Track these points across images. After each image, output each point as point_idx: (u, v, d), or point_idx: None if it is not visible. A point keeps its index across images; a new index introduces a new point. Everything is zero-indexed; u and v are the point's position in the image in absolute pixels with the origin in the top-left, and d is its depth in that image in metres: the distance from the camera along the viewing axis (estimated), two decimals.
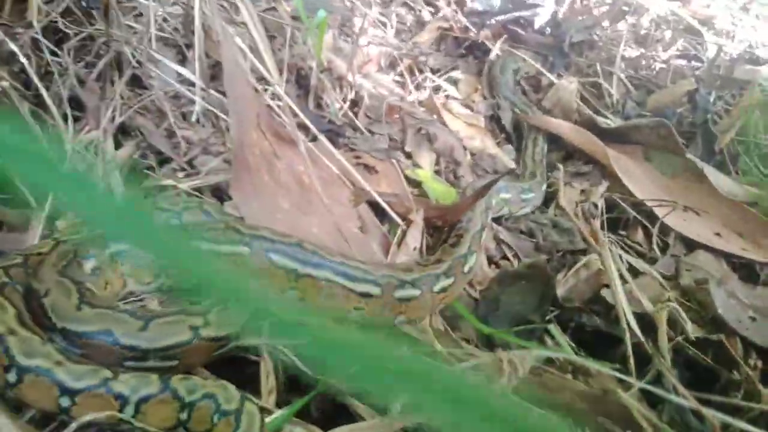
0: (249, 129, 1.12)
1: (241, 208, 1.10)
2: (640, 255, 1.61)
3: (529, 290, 1.30)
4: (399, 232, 1.28)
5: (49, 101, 1.16)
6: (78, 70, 1.24)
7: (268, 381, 1.02)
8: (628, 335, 1.13)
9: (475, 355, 1.05)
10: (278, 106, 1.35)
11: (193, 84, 1.31)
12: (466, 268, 1.32)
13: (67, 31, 1.27)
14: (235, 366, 1.08)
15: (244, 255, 1.05)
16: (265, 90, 1.35)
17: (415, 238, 1.27)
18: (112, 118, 1.19)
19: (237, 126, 1.08)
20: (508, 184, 1.63)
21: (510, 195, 1.62)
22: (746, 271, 1.59)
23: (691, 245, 1.61)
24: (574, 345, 1.31)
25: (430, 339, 1.13)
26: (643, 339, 1.19)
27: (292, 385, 1.10)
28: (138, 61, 1.27)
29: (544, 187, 1.71)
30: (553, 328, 1.24)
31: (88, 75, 1.25)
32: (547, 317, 1.29)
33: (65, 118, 1.18)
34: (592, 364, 1.04)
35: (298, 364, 1.02)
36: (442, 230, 1.41)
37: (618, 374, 0.98)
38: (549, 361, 1.20)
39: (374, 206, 1.41)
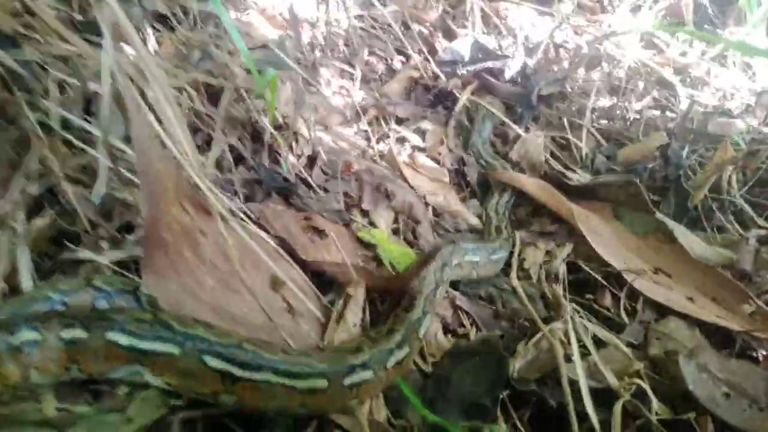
0: (167, 203, 1.04)
1: (155, 291, 1.01)
2: (608, 320, 1.52)
3: (482, 369, 1.21)
4: (338, 306, 1.19)
5: None
6: None
7: None
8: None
9: None
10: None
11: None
12: (420, 333, 1.23)
13: None
14: None
15: (174, 355, 0.95)
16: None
17: (355, 313, 1.18)
18: (23, 190, 1.11)
19: (149, 202, 1.00)
20: (477, 244, 1.54)
21: (479, 258, 1.53)
22: (721, 337, 1.49)
23: (661, 311, 1.52)
24: (529, 427, 1.22)
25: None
26: (597, 426, 1.09)
27: None
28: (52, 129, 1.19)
29: (509, 246, 1.63)
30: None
31: None
32: (500, 398, 1.20)
33: None
34: None
35: None
36: (393, 295, 1.32)
37: None
38: None
39: (318, 274, 1.33)
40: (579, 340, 1.32)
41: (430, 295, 1.29)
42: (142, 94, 1.07)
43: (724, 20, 2.60)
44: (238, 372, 0.96)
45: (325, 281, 1.37)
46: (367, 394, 1.11)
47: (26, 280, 1.05)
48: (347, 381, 1.04)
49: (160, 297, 1.01)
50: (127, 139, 1.24)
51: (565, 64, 2.19)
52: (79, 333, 0.93)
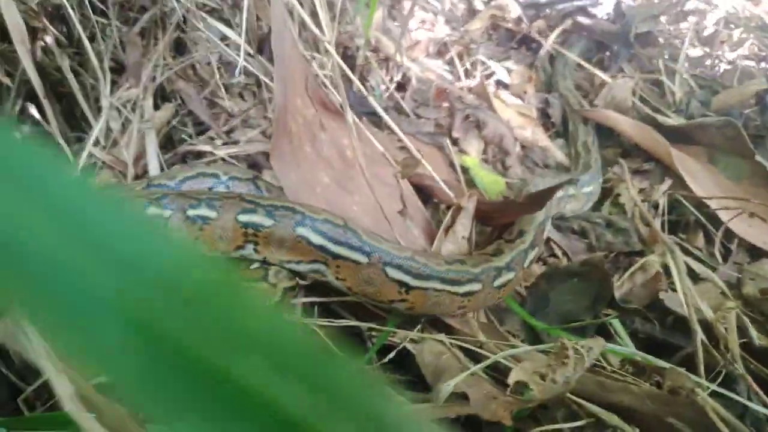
0: (294, 94, 1.05)
1: (280, 177, 1.03)
2: (700, 261, 1.49)
3: (582, 289, 1.20)
4: (448, 217, 1.19)
5: (91, 56, 1.11)
6: (120, 28, 1.19)
7: None
8: (699, 338, 1.02)
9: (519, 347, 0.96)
10: (325, 77, 1.28)
11: (239, 49, 1.25)
12: (526, 263, 1.22)
13: None
14: None
15: (360, 263, 0.99)
16: (313, 59, 1.28)
17: (464, 226, 1.18)
18: (153, 78, 1.14)
19: (281, 89, 1.01)
20: (571, 177, 1.52)
21: (572, 190, 1.51)
22: None
23: (755, 253, 1.48)
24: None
25: (473, 330, 1.04)
26: (710, 345, 1.08)
27: None
28: (184, 18, 1.21)
29: (601, 180, 1.60)
30: (616, 323, 1.13)
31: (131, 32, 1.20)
32: (601, 319, 1.19)
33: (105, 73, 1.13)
34: (662, 363, 0.94)
35: (331, 346, 0.95)
36: (495, 224, 1.31)
37: (690, 375, 0.88)
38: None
39: (417, 190, 1.33)
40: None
41: (539, 228, 1.28)
42: None
43: None
44: (412, 282, 1.01)
45: (423, 196, 1.38)
46: (474, 306, 1.12)
47: (154, 166, 1.08)
48: (496, 282, 1.09)
49: (284, 185, 1.03)
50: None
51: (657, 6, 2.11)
52: (260, 219, 0.96)
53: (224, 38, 1.27)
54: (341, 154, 1.15)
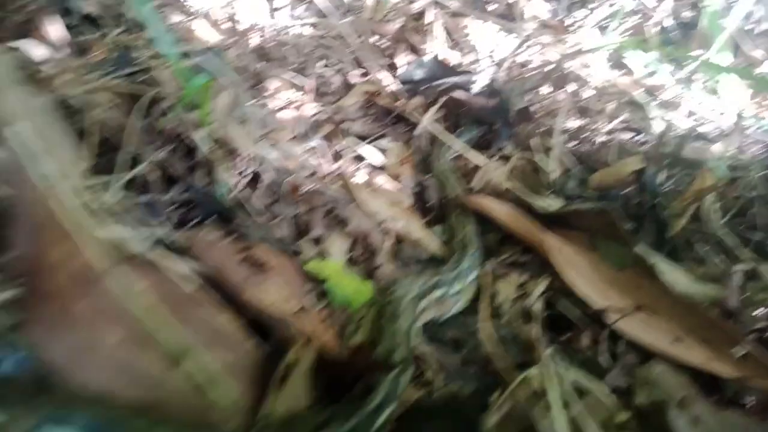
0: (43, 247, 0.82)
1: (43, 352, 0.79)
2: (587, 363, 1.35)
3: None
4: (278, 373, 0.98)
5: None
6: None
7: None
8: None
9: None
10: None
11: None
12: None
13: None
14: None
15: None
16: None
17: (299, 383, 0.97)
18: None
19: (25, 245, 0.77)
20: (439, 277, 1.38)
21: (442, 291, 1.36)
22: (707, 380, 1.35)
23: (646, 353, 1.36)
24: None
25: None
26: None
27: None
28: None
29: (474, 276, 1.45)
30: None
31: None
32: None
33: None
34: None
35: None
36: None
37: None
38: None
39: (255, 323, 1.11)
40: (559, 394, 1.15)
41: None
42: None
43: (686, 43, 2.54)
44: None
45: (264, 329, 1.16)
46: None
47: None
48: None
49: (48, 361, 0.78)
50: None
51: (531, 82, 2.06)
52: None
53: None
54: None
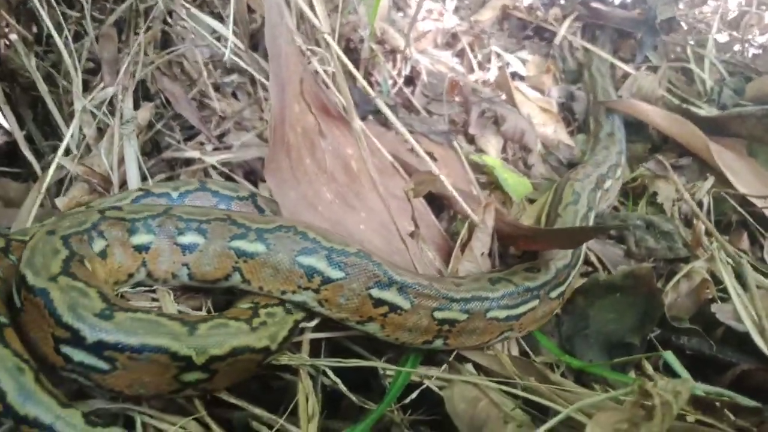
0: (291, 99, 0.91)
1: (277, 197, 0.89)
2: (751, 266, 1.34)
3: (626, 306, 1.06)
4: (463, 232, 1.04)
5: (63, 53, 0.96)
6: (97, 21, 1.05)
7: (308, 405, 0.81)
8: None
9: (573, 391, 0.81)
10: (326, 74, 1.13)
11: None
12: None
13: None
14: (269, 386, 0.87)
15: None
16: (312, 54, 1.13)
17: (482, 242, 1.03)
18: (133, 74, 0.99)
19: (278, 93, 0.86)
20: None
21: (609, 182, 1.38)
22: None
23: None
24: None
25: (505, 367, 0.89)
26: None
27: (333, 410, 0.90)
28: (169, 12, 1.06)
29: (620, 172, 1.45)
30: (670, 356, 0.98)
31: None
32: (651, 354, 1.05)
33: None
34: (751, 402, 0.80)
35: (342, 388, 0.81)
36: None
37: None
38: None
39: (430, 200, 1.18)
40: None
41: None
42: None
43: None
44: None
45: (436, 207, 1.24)
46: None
47: (133, 175, 0.94)
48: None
49: (281, 204, 0.88)
50: None
51: None
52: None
53: (214, 32, 1.12)
54: (345, 166, 1.01)
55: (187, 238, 0.85)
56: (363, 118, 1.46)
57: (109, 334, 0.69)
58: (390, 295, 0.86)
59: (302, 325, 0.87)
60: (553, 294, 1.00)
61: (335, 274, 0.84)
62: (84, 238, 0.82)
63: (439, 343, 0.91)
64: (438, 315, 0.89)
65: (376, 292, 0.85)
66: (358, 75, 1.25)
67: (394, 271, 0.87)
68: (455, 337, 0.91)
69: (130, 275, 0.86)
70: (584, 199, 1.23)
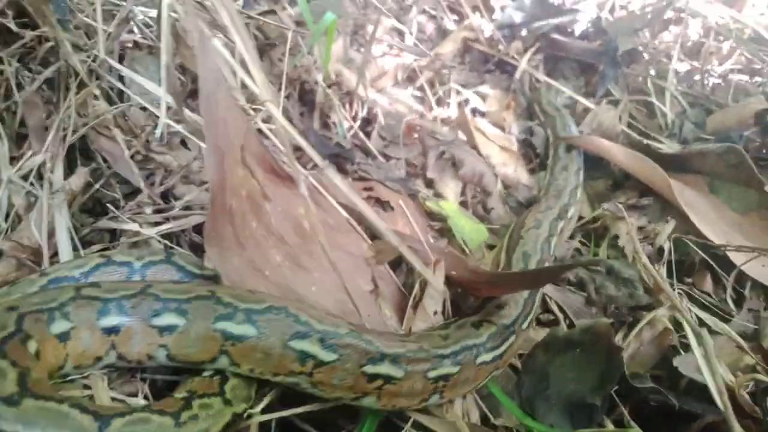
0: (233, 165, 0.86)
1: (217, 264, 0.84)
2: (709, 308, 1.32)
3: (586, 364, 1.03)
4: (416, 290, 1.01)
5: None
6: (22, 85, 0.99)
7: None
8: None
9: None
10: (271, 131, 1.09)
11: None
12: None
13: (14, 30, 1.02)
14: None
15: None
16: (256, 111, 1.09)
17: (434, 299, 1.00)
18: (63, 138, 0.94)
19: (215, 163, 0.82)
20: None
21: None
22: None
23: None
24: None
25: None
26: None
27: None
28: (95, 73, 1.01)
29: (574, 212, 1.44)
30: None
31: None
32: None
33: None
34: None
35: None
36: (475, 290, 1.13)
37: None
38: None
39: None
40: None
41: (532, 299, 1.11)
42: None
43: None
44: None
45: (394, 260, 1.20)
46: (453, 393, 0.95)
47: (64, 249, 0.88)
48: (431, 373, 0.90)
49: (222, 273, 0.84)
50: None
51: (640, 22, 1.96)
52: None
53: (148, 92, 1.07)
54: (297, 226, 0.97)
55: (164, 320, 0.81)
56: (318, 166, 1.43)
57: (7, 422, 0.65)
58: (384, 369, 0.85)
59: (249, 412, 0.82)
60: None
61: (328, 357, 0.82)
62: (43, 317, 0.78)
63: (435, 398, 0.91)
64: (432, 374, 0.88)
65: (369, 369, 0.84)
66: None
67: (384, 345, 0.85)
68: (450, 389, 0.92)
69: (98, 358, 0.82)
70: (546, 226, 1.22)
